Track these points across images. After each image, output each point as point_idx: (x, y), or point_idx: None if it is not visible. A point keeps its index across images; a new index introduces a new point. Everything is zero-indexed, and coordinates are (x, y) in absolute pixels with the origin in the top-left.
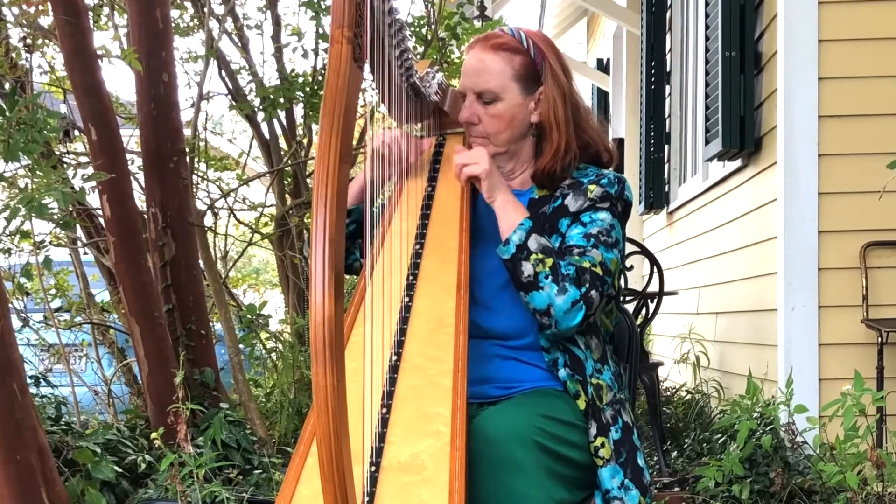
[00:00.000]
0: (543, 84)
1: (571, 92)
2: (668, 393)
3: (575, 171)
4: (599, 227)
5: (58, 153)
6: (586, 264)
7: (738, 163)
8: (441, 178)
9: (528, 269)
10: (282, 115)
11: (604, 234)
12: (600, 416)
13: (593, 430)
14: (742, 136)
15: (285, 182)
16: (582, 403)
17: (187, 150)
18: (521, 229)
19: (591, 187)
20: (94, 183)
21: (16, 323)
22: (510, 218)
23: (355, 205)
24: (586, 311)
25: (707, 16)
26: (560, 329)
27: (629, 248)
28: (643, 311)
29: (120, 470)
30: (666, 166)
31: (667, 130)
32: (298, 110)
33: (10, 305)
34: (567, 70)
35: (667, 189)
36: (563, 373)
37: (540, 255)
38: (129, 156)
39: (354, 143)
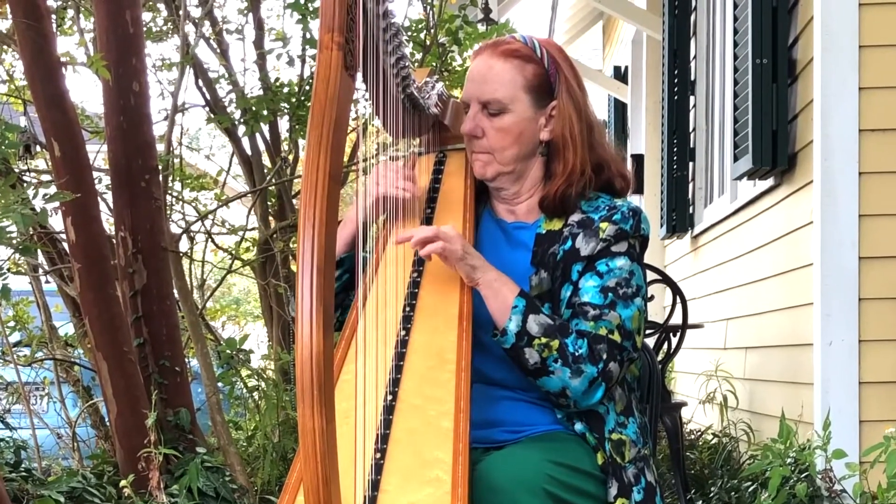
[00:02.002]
0: (557, 98)
1: (587, 109)
2: (693, 436)
3: (584, 203)
4: (617, 277)
5: (17, 171)
6: (602, 331)
7: (769, 182)
8: (441, 199)
9: (533, 356)
10: (265, 128)
11: (622, 286)
12: (621, 474)
13: (613, 490)
14: (774, 152)
15: (269, 203)
16: (601, 458)
17: (160, 167)
18: (517, 313)
19: (604, 225)
20: (57, 204)
21: None
22: (501, 298)
23: (346, 253)
24: (607, 385)
25: (736, 19)
26: (580, 407)
27: (649, 276)
28: (665, 346)
29: None
30: (690, 186)
31: (691, 146)
32: (283, 123)
33: None
34: (582, 84)
35: (691, 211)
36: (579, 426)
37: (543, 340)
38: (95, 174)
39: (346, 159)
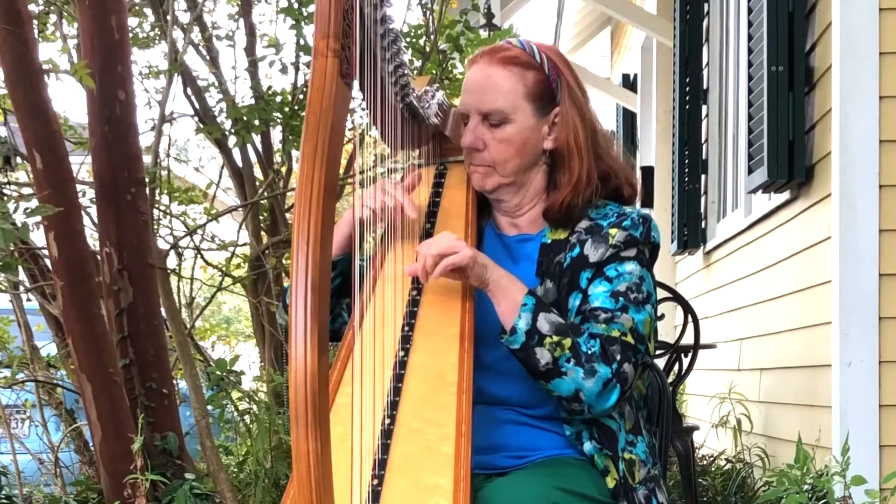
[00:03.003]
0: (560, 104)
1: (590, 114)
2: (705, 462)
3: (592, 211)
4: (627, 282)
5: None
6: (615, 333)
7: (786, 195)
8: (441, 213)
9: (544, 356)
10: (257, 139)
11: (633, 290)
12: (633, 496)
13: None
14: (791, 164)
15: (261, 217)
16: (611, 481)
17: (147, 180)
18: (526, 311)
19: (613, 231)
20: (38, 218)
21: None
22: (510, 296)
23: (341, 255)
24: (622, 388)
25: (750, 25)
26: (594, 413)
27: (659, 294)
28: (676, 368)
29: None
30: (702, 199)
31: (703, 157)
32: (276, 134)
33: None
34: (583, 88)
35: (703, 225)
36: (588, 446)
37: (555, 338)
38: (79, 187)
39: (341, 172)
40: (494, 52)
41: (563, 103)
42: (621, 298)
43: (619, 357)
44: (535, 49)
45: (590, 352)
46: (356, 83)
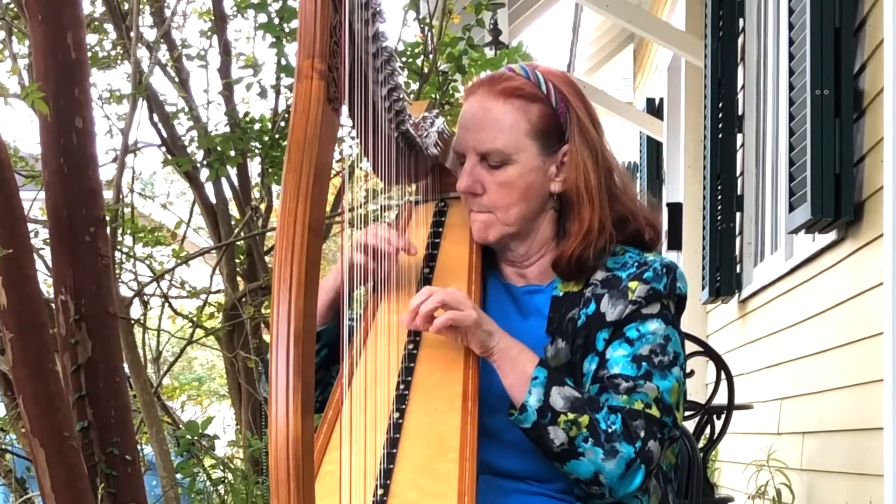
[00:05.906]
0: (569, 142)
1: (604, 151)
2: None
3: (609, 259)
4: (651, 344)
5: None
6: (638, 406)
7: (832, 235)
8: (441, 256)
9: (559, 436)
10: (232, 172)
11: (657, 353)
12: None
13: None
14: (837, 200)
15: (237, 260)
16: None
17: (108, 218)
18: (537, 385)
19: (633, 285)
20: None
21: None
22: (518, 369)
23: (325, 324)
24: (647, 468)
25: (791, 43)
26: (616, 497)
27: (689, 348)
28: (707, 431)
29: None
30: (737, 240)
31: (738, 193)
32: (254, 166)
33: None
34: (597, 120)
35: (738, 270)
36: None
37: (570, 416)
38: (31, 226)
39: (328, 209)
40: (494, 83)
41: (573, 141)
42: (644, 364)
43: (643, 434)
44: (540, 77)
45: (610, 429)
46: (345, 109)
